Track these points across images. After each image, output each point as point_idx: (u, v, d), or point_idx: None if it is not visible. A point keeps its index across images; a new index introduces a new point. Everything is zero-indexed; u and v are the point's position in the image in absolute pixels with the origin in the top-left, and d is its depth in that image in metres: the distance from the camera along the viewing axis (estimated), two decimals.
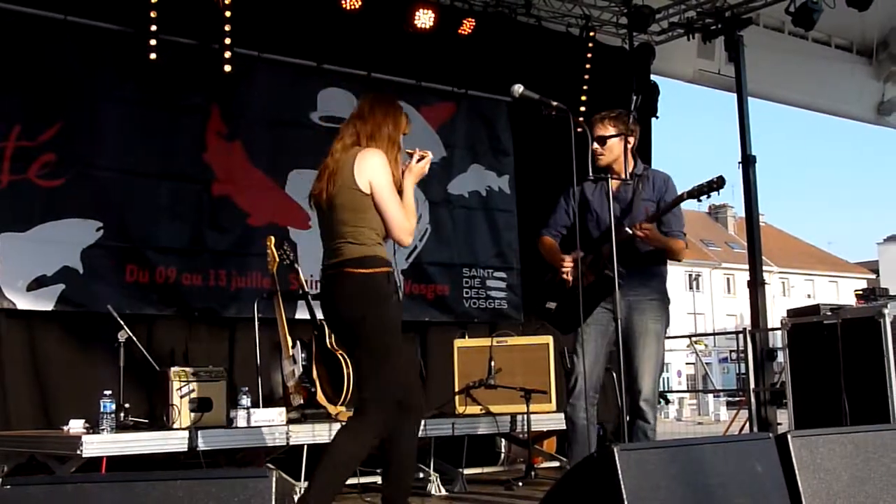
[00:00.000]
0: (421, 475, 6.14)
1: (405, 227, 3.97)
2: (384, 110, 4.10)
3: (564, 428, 4.85)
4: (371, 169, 3.94)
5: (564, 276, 4.68)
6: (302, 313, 6.43)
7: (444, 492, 6.01)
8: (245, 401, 5.68)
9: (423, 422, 5.98)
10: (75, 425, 5.27)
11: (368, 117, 4.07)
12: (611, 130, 4.72)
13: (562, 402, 6.87)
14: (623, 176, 4.70)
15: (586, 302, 4.50)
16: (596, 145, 4.66)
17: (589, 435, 4.58)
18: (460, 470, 6.15)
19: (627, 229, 4.50)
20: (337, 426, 5.59)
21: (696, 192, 4.50)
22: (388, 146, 4.04)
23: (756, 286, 8.87)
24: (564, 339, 6.58)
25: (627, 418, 4.51)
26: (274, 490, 2.26)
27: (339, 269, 3.96)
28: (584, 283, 4.49)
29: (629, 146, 4.75)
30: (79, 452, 4.83)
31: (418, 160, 4.10)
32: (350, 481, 5.81)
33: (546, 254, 4.91)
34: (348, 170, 3.95)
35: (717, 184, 4.41)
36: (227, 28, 7.00)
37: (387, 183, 3.95)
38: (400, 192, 4.02)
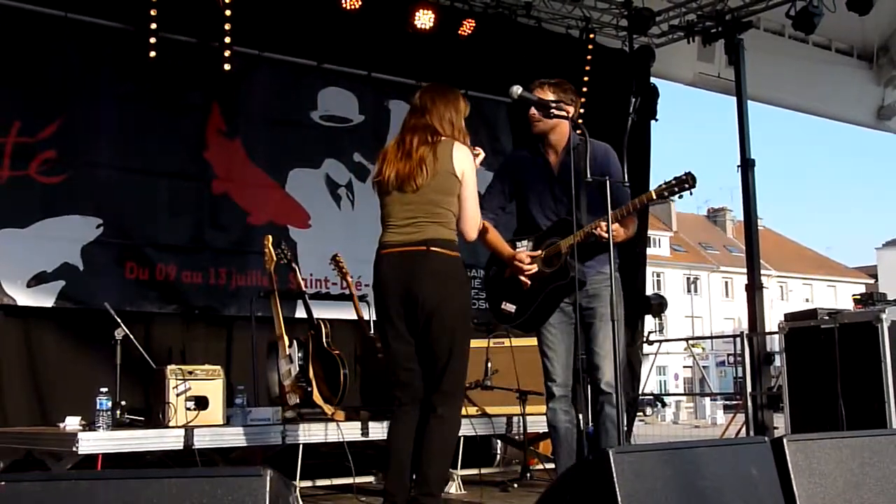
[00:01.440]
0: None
1: (478, 222, 4.20)
2: (444, 100, 4.19)
3: None
4: (466, 161, 4.10)
5: (522, 278, 4.47)
6: (300, 312, 6.42)
7: None
8: (241, 399, 5.68)
9: None
10: (71, 422, 5.28)
11: (432, 109, 4.14)
12: (549, 96, 4.46)
13: None
14: (559, 148, 4.50)
15: (550, 303, 4.42)
16: (533, 110, 4.45)
17: (572, 438, 4.43)
18: (455, 471, 6.14)
19: (592, 230, 4.24)
20: (332, 426, 5.61)
21: (666, 191, 4.20)
22: (458, 135, 4.16)
23: (754, 290, 8.87)
24: None
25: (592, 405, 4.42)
26: (268, 489, 2.26)
27: (421, 247, 3.99)
28: (542, 278, 4.39)
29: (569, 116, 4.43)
30: (75, 449, 4.82)
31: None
32: (345, 481, 5.83)
33: (486, 242, 4.64)
34: (447, 157, 4.04)
35: (688, 182, 4.12)
36: (227, 27, 7.02)
37: (474, 178, 4.12)
38: None
